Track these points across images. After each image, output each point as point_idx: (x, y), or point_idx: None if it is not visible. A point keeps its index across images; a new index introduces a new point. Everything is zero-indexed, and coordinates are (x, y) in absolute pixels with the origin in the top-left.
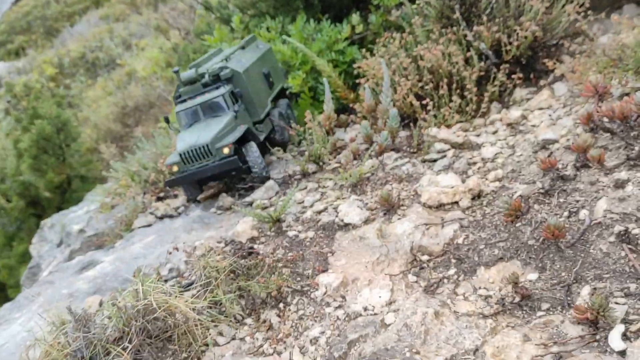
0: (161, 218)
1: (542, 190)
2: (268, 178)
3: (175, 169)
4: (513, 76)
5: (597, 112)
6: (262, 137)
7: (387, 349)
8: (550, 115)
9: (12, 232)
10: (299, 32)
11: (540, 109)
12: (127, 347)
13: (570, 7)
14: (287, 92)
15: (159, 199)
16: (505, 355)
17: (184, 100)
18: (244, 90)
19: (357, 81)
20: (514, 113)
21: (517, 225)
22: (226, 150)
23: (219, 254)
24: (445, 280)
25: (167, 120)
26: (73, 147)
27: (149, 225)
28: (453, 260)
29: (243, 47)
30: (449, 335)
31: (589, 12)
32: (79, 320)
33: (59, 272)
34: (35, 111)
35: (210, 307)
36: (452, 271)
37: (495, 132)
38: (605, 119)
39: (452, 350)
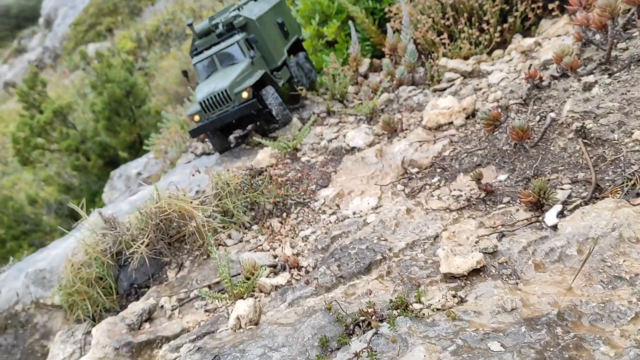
0: (199, 156)
1: (521, 101)
2: (290, 119)
3: (197, 118)
4: (533, 6)
5: (574, 22)
6: (280, 83)
7: (360, 239)
8: (563, 40)
9: (95, 189)
10: None
11: (558, 35)
12: (145, 242)
13: None
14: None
15: (201, 141)
16: (457, 237)
17: (200, 52)
18: (259, 37)
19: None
20: (527, 41)
21: (495, 134)
22: (245, 94)
23: (233, 174)
24: (427, 187)
25: (185, 74)
26: (142, 109)
27: (189, 162)
28: (438, 170)
29: None
30: (415, 226)
31: None
32: (108, 221)
33: (113, 203)
34: (107, 76)
35: (224, 216)
36: (435, 179)
37: (510, 61)
38: (582, 29)
39: (415, 237)
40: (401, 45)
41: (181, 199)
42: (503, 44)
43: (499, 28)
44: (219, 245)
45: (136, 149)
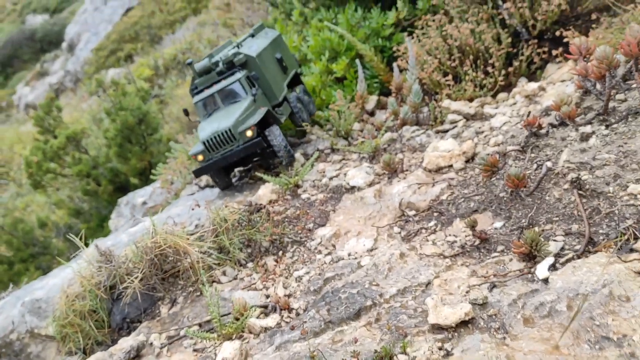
0: (203, 188)
1: (519, 148)
2: (294, 160)
3: (200, 158)
4: (539, 50)
5: (574, 71)
6: (282, 120)
7: (352, 282)
8: (567, 86)
9: (104, 214)
10: (346, 20)
11: (562, 81)
12: (139, 276)
13: None
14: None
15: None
16: (448, 285)
17: (201, 91)
18: (259, 74)
19: (398, 63)
20: (532, 85)
21: (493, 180)
22: (249, 133)
23: (231, 210)
24: (423, 231)
25: (186, 113)
26: (154, 137)
27: (192, 194)
28: (435, 214)
29: (252, 35)
30: (408, 271)
31: None
32: (103, 254)
33: (115, 232)
34: (121, 104)
35: (220, 252)
36: (431, 223)
37: (514, 104)
38: (581, 79)
39: (406, 283)
40: (407, 84)
41: (177, 235)
42: (508, 87)
43: (503, 71)
44: (213, 282)
45: (146, 176)
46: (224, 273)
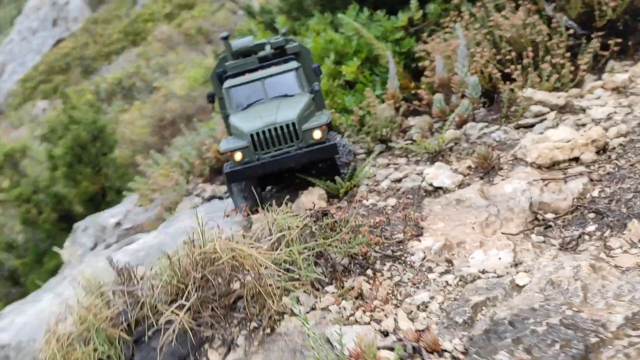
0: (209, 199)
1: None
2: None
3: (239, 157)
4: (609, 43)
5: None
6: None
7: (534, 309)
8: None
9: (43, 248)
10: (352, 20)
11: None
12: (184, 305)
13: None
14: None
15: (210, 182)
16: None
17: (235, 76)
18: (316, 71)
19: (419, 64)
20: (620, 76)
21: None
22: (318, 134)
23: (292, 215)
24: (587, 237)
25: (211, 99)
26: (109, 157)
27: (196, 207)
28: (590, 216)
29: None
30: (618, 291)
31: None
32: (122, 273)
33: (94, 256)
34: (71, 118)
35: (282, 270)
36: (591, 227)
37: (598, 98)
38: None
39: (631, 308)
40: (456, 79)
41: (237, 242)
42: (571, 82)
43: (570, 65)
44: (283, 313)
45: (96, 203)
46: (297, 300)
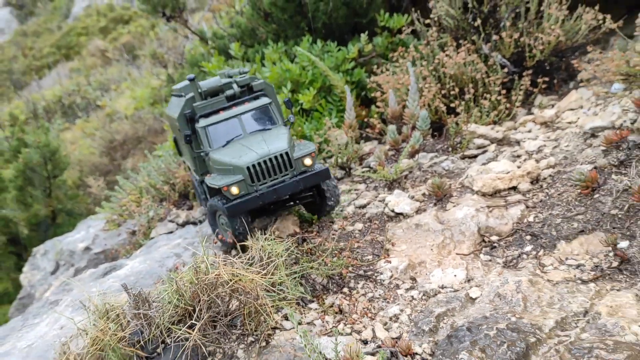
0: (183, 225)
1: (615, 162)
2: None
3: (235, 191)
4: (538, 80)
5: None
6: None
7: (485, 317)
8: (585, 113)
9: None
10: (306, 51)
11: (571, 109)
12: (196, 324)
13: (588, 15)
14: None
15: (182, 208)
16: (622, 312)
17: (208, 115)
18: (287, 104)
19: (372, 95)
20: (548, 112)
21: (595, 197)
22: (308, 161)
23: (276, 241)
24: (525, 256)
25: (188, 139)
26: (60, 180)
27: (171, 232)
28: (527, 238)
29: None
30: (550, 300)
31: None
32: (137, 299)
33: (77, 281)
34: (22, 140)
35: (274, 290)
36: (528, 247)
37: (529, 131)
38: None
39: (561, 314)
40: (407, 112)
41: (237, 268)
42: (507, 116)
43: (504, 100)
44: (275, 329)
45: (45, 226)
46: (285, 317)
